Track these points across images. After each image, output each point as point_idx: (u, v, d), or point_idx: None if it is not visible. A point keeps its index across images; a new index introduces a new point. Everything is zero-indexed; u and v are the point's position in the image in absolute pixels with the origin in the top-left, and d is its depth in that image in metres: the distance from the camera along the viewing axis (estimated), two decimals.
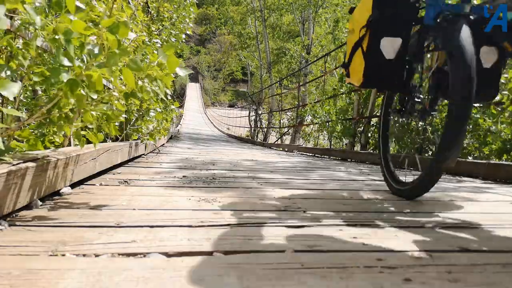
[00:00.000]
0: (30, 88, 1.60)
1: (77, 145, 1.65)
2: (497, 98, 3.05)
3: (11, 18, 1.22)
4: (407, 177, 1.59)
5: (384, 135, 1.82)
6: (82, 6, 1.04)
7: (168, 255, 0.73)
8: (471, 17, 1.36)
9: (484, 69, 1.36)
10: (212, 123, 28.19)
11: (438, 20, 1.41)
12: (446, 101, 1.56)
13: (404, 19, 1.44)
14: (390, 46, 1.41)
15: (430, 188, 1.44)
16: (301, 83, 11.51)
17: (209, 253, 0.75)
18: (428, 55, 1.53)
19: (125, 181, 1.70)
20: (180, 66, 1.17)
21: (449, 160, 1.30)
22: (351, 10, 1.63)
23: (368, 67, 1.44)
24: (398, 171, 1.68)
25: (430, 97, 1.48)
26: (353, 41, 1.51)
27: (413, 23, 1.47)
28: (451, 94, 1.28)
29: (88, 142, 2.08)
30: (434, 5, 1.41)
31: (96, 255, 0.71)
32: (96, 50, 1.04)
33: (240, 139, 14.37)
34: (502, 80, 3.20)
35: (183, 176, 2.01)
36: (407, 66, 1.48)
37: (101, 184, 1.58)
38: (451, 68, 1.28)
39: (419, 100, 1.54)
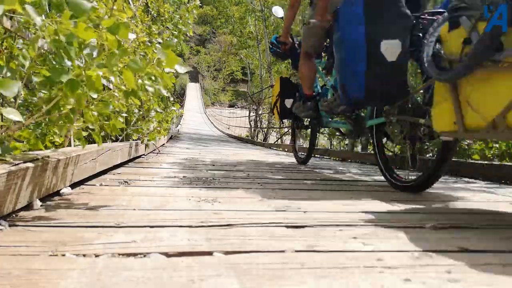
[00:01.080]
0: (30, 87, 1.60)
1: (78, 145, 1.65)
2: None
3: (10, 18, 1.22)
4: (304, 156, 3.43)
5: (294, 136, 3.68)
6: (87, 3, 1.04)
7: (168, 255, 0.73)
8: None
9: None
10: (212, 123, 28.17)
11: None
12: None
13: (293, 92, 3.07)
14: (288, 103, 3.05)
15: (309, 160, 3.30)
16: None
17: (209, 253, 0.75)
18: None
19: (125, 181, 1.70)
20: (179, 63, 1.17)
21: (313, 150, 3.28)
22: (272, 86, 3.39)
23: (281, 112, 3.10)
24: (301, 153, 3.60)
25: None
26: (273, 100, 3.22)
27: (296, 93, 3.06)
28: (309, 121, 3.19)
29: (89, 142, 2.08)
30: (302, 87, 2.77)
31: (96, 255, 0.71)
32: (95, 54, 1.04)
33: (240, 139, 14.37)
34: None
35: (183, 177, 2.01)
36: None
37: (101, 185, 1.58)
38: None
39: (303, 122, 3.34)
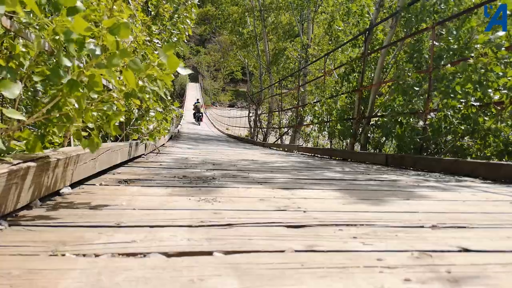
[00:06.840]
0: (31, 88, 1.60)
1: (78, 145, 1.65)
2: (497, 97, 3.05)
3: (10, 18, 1.22)
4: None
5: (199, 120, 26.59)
6: (81, 6, 1.04)
7: (168, 255, 0.73)
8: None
9: (198, 115, 26.09)
10: (212, 123, 28.27)
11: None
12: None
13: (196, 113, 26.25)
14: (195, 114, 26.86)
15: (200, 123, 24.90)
16: (300, 83, 11.52)
17: (209, 253, 0.75)
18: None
19: (125, 181, 1.70)
20: (180, 66, 1.17)
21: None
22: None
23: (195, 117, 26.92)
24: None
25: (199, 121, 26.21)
26: (194, 111, 27.56)
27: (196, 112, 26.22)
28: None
29: None
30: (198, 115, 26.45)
31: (96, 255, 0.71)
32: (98, 51, 1.03)
33: (240, 139, 14.38)
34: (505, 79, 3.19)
35: (183, 176, 2.01)
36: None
37: (101, 184, 1.58)
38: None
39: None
